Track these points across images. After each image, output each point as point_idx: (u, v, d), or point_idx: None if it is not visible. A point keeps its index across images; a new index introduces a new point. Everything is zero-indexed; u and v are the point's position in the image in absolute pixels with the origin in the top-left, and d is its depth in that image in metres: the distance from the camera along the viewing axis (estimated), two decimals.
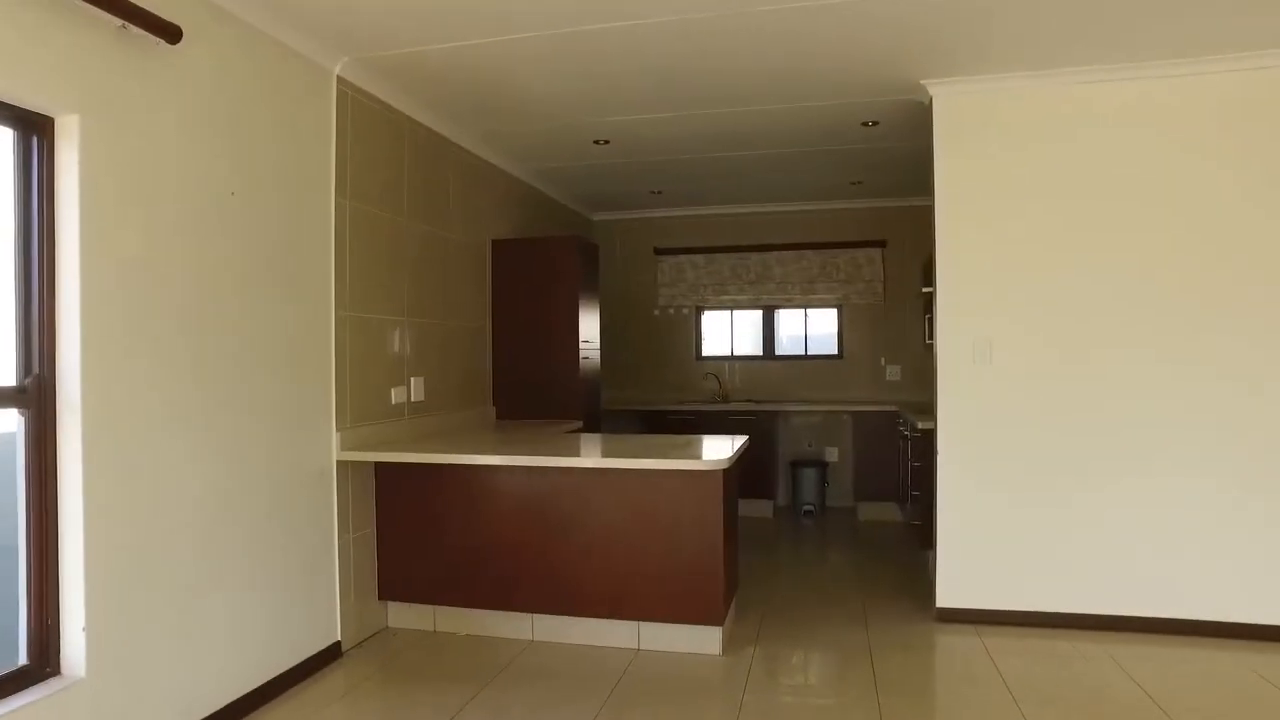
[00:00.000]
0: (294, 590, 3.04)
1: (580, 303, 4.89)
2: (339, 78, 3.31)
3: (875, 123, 4.30)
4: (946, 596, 3.69)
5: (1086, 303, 3.54)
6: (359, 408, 3.45)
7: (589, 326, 5.08)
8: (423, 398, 3.99)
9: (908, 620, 3.75)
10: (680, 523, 3.23)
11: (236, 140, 2.76)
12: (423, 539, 3.52)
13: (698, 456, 3.24)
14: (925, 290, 5.16)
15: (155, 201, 2.42)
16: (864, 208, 6.40)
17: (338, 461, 3.28)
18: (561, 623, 3.42)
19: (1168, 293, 3.47)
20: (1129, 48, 3.28)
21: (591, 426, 5.01)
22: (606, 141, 4.66)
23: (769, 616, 3.83)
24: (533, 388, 4.87)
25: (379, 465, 3.54)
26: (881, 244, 6.40)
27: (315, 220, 3.20)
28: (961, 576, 3.67)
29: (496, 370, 4.91)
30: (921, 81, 3.66)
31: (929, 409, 5.30)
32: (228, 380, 2.71)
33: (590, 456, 3.34)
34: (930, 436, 4.34)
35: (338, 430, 3.28)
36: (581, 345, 4.91)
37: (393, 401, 3.73)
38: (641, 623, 3.34)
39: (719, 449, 3.42)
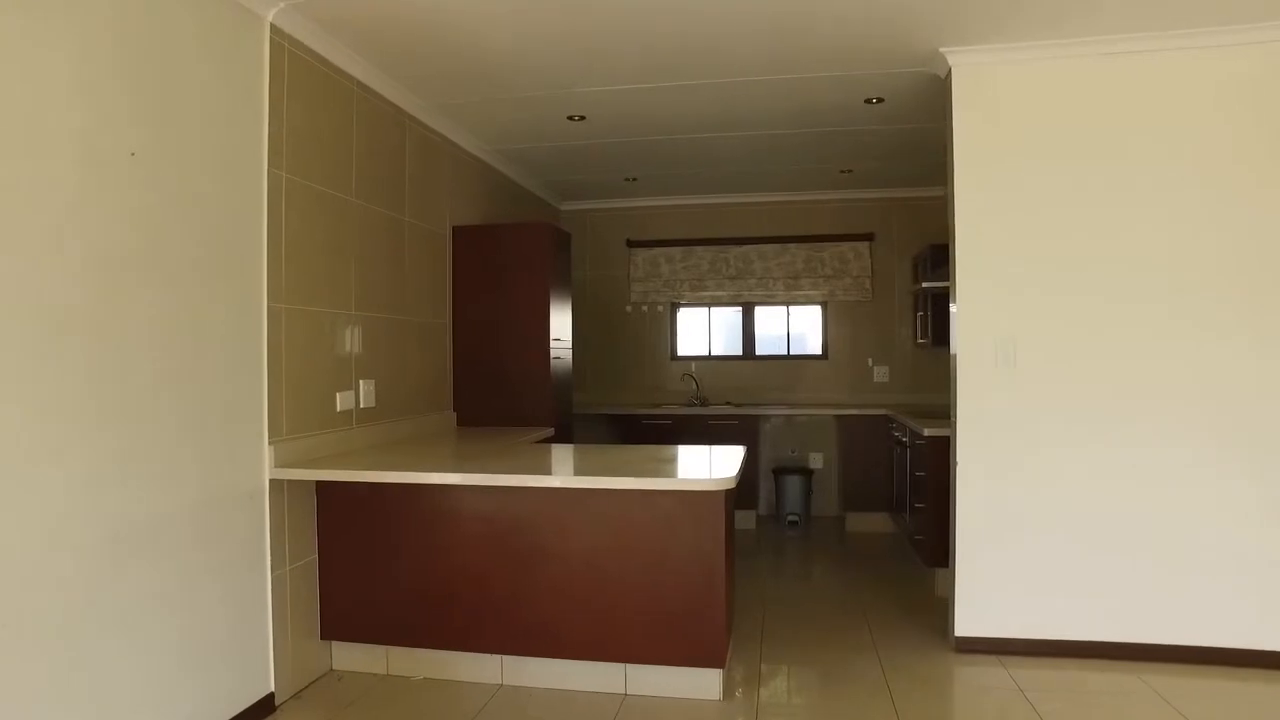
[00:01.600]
0: (215, 638, 2.52)
1: (551, 297, 4.42)
2: (273, 27, 2.80)
3: (879, 99, 3.91)
4: (966, 624, 3.31)
5: (1125, 298, 3.18)
6: (297, 416, 2.93)
7: (561, 324, 4.62)
8: (373, 403, 3.48)
9: (923, 650, 3.37)
10: (675, 550, 2.79)
11: (142, 92, 2.24)
12: (373, 569, 3.02)
13: (696, 474, 2.81)
14: (926, 285, 4.80)
15: (13, 158, 1.90)
16: (852, 199, 6.04)
17: (271, 480, 2.77)
18: (536, 665, 2.96)
19: (1222, 287, 3.12)
20: (1179, 11, 2.93)
21: (563, 434, 4.54)
22: (582, 117, 4.19)
23: (768, 647, 3.41)
24: (498, 391, 4.39)
25: (321, 484, 3.03)
26: (869, 237, 6.05)
27: (244, 194, 2.68)
28: (982, 602, 3.29)
29: (458, 372, 4.41)
30: (941, 49, 3.27)
31: (927, 412, 4.96)
32: (127, 389, 2.18)
33: (569, 474, 2.89)
34: (937, 444, 3.99)
35: (271, 444, 2.76)
36: (552, 344, 4.44)
37: (338, 408, 3.22)
38: (629, 665, 2.89)
39: (717, 463, 2.99)
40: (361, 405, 3.39)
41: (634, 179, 5.65)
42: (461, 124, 4.30)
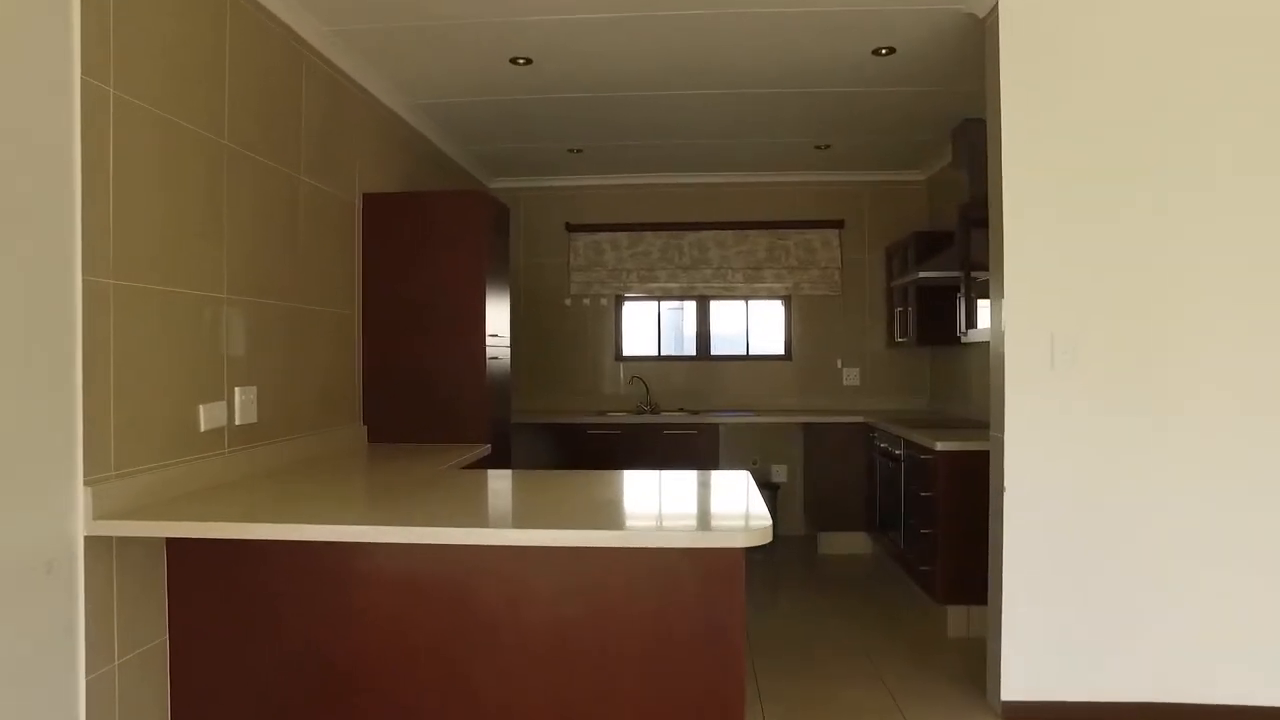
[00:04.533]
0: None
1: (488, 283, 3.60)
2: None
3: (890, 50, 3.27)
4: (1016, 686, 2.69)
5: (1218, 282, 2.62)
6: (135, 441, 2.04)
7: (498, 316, 3.80)
8: (255, 418, 2.60)
9: (960, 716, 2.74)
10: (678, 628, 2.02)
11: None
12: (250, 655, 2.14)
13: (710, 522, 2.08)
14: (924, 274, 4.16)
15: None
16: (821, 181, 5.43)
17: (89, 539, 1.87)
18: None
19: None
20: None
21: (501, 451, 3.73)
22: (528, 61, 3.40)
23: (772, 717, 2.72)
24: (421, 399, 3.54)
25: (173, 541, 2.13)
26: (839, 224, 5.45)
27: (38, 111, 1.78)
28: (1037, 660, 2.68)
29: (369, 374, 3.54)
30: None
31: (915, 420, 4.38)
32: None
33: (526, 522, 2.11)
34: (953, 461, 3.43)
35: (89, 484, 1.87)
36: (489, 340, 3.62)
37: (203, 427, 2.33)
38: None
39: (720, 498, 2.27)
40: (238, 421, 2.51)
41: (579, 150, 4.87)
42: (377, 66, 3.44)
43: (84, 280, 1.86)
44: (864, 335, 5.47)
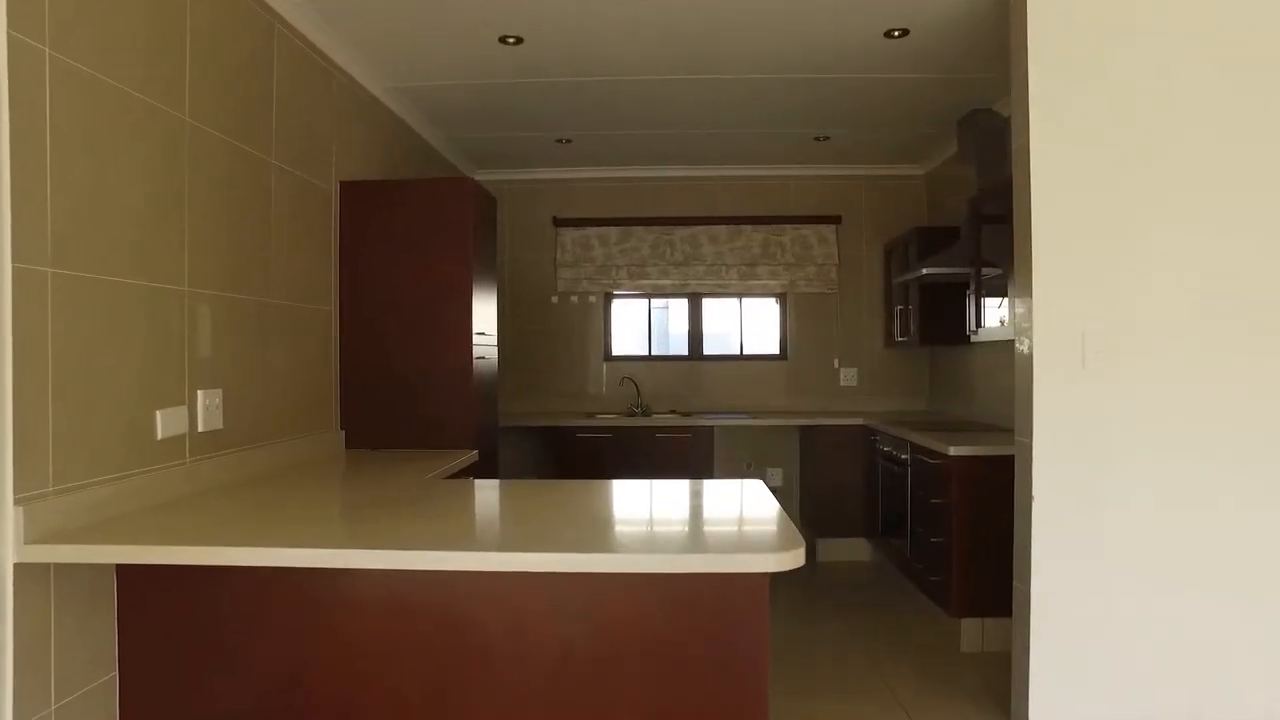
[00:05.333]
0: None
1: (474, 278, 3.37)
2: None
3: (903, 31, 3.09)
4: (1043, 708, 2.52)
5: (1258, 281, 2.47)
6: (78, 451, 1.80)
7: (485, 314, 3.57)
8: (220, 424, 2.36)
9: None
10: (693, 659, 1.82)
11: None
12: (214, 696, 1.91)
13: (721, 544, 1.87)
14: (928, 270, 3.97)
15: None
16: (817, 175, 5.25)
17: (19, 566, 1.63)
18: None
19: None
20: None
21: (488, 457, 3.50)
22: (518, 40, 3.17)
23: None
24: (403, 402, 3.30)
25: (124, 567, 1.89)
26: (836, 220, 5.27)
27: None
28: (1067, 680, 2.51)
29: (347, 376, 3.30)
30: None
31: (920, 423, 4.21)
32: None
33: (520, 545, 1.89)
34: (967, 466, 3.26)
35: (20, 504, 1.62)
36: (476, 340, 3.39)
37: (160, 434, 2.09)
38: None
39: (742, 517, 2.07)
40: (201, 428, 2.27)
41: (568, 140, 4.65)
42: (356, 44, 3.20)
43: (14, 268, 1.61)
44: (862, 334, 5.30)
